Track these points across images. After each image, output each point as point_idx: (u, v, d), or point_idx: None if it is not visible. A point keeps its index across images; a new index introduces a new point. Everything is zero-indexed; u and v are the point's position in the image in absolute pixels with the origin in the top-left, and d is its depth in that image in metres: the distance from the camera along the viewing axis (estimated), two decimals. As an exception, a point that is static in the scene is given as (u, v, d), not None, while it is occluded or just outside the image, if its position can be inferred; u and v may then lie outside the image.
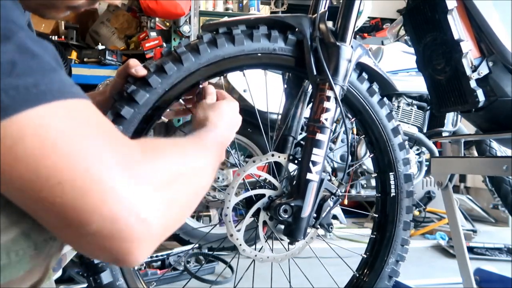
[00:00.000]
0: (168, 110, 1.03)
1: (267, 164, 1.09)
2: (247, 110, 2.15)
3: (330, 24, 1.05)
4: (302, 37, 1.04)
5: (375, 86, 1.15)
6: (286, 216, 1.00)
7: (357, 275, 1.21)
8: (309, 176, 0.99)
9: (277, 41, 1.02)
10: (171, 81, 0.95)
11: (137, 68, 0.95)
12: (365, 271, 1.21)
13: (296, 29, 1.05)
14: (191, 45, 0.98)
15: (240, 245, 1.03)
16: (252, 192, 1.05)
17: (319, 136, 1.00)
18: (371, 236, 1.24)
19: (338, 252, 1.22)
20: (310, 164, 0.99)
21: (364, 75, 1.14)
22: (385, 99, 1.17)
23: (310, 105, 1.10)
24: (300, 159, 1.03)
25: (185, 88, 0.98)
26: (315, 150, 1.00)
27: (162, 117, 1.01)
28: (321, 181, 1.02)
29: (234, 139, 0.93)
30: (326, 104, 1.00)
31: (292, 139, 1.16)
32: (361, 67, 1.13)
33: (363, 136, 1.21)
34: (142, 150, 0.53)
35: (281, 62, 1.05)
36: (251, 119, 2.26)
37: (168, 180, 0.53)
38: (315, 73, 1.02)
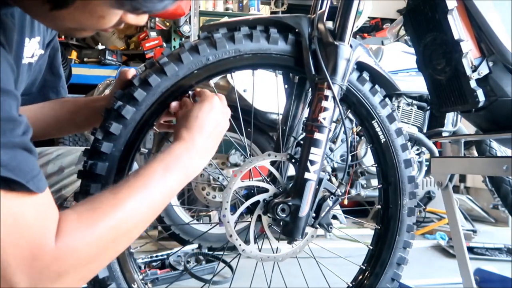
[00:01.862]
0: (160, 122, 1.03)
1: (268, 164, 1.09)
2: (247, 110, 2.15)
3: (330, 24, 1.05)
4: (296, 35, 1.03)
5: (365, 75, 1.13)
6: (284, 215, 1.00)
7: (364, 267, 1.20)
8: (307, 175, 0.99)
9: (259, 41, 1.02)
10: (157, 94, 0.95)
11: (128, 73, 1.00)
12: (372, 261, 1.19)
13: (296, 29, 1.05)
14: (173, 55, 0.98)
15: (240, 245, 1.03)
16: (249, 193, 1.04)
17: (317, 135, 1.00)
18: (376, 227, 1.22)
19: (340, 252, 1.22)
20: (308, 164, 0.99)
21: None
22: (377, 86, 1.14)
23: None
24: (298, 159, 1.03)
25: (173, 98, 0.98)
26: (313, 150, 0.99)
27: (155, 127, 1.01)
28: (320, 180, 1.01)
29: (234, 139, 0.93)
30: (324, 104, 1.00)
31: (293, 139, 1.15)
32: (361, 67, 1.12)
33: (360, 127, 1.19)
34: (62, 246, 0.59)
35: (267, 61, 1.04)
36: (250, 118, 2.26)
37: (93, 256, 0.63)
38: (313, 72, 1.02)
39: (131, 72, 1.01)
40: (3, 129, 0.55)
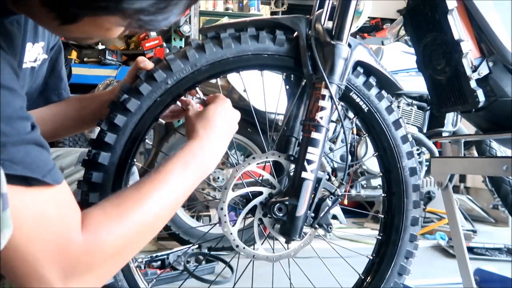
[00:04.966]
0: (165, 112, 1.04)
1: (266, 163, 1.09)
2: (246, 110, 2.15)
3: (331, 24, 1.05)
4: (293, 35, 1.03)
5: (360, 69, 1.12)
6: (281, 214, 1.00)
7: (372, 258, 1.19)
8: (304, 174, 0.99)
9: (247, 43, 1.02)
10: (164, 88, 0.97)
11: (145, 62, 1.01)
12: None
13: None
14: (179, 52, 1.00)
15: (236, 243, 1.02)
16: (248, 189, 1.04)
17: (314, 134, 1.00)
18: (381, 216, 1.22)
19: (339, 252, 1.22)
20: (305, 163, 0.99)
21: None
22: (371, 79, 1.12)
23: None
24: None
25: (178, 94, 1.00)
26: (310, 149, 0.99)
27: (160, 119, 1.02)
28: (319, 180, 1.01)
29: (232, 139, 0.94)
30: (321, 103, 1.00)
31: (295, 139, 1.15)
32: (361, 65, 1.12)
33: (355, 116, 1.17)
34: (90, 235, 0.61)
35: (247, 63, 1.04)
36: (250, 118, 2.26)
37: (115, 251, 0.64)
38: (311, 72, 1.02)
39: (147, 63, 1.02)
40: (15, 127, 0.56)
